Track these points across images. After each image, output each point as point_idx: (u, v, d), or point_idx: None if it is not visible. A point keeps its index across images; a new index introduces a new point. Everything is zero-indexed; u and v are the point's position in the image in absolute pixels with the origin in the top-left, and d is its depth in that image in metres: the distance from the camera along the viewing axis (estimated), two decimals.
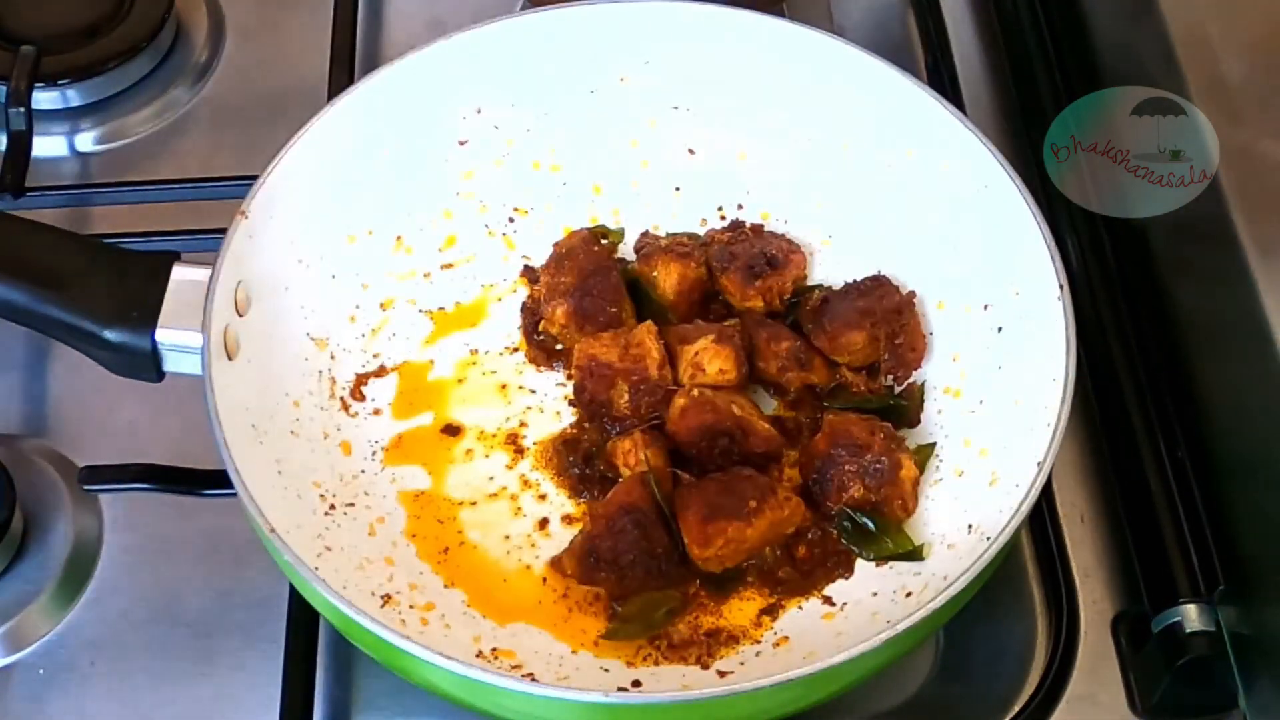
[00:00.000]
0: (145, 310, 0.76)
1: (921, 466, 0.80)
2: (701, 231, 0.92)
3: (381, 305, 0.89)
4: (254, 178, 0.82)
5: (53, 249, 0.78)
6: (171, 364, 0.77)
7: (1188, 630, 0.76)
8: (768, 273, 0.86)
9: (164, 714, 0.80)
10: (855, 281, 0.87)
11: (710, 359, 0.82)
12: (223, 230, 0.80)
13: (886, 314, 0.84)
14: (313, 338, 0.85)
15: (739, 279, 0.87)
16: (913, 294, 0.85)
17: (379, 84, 0.87)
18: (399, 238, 0.90)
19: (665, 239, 0.90)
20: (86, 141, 1.04)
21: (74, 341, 0.77)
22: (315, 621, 0.79)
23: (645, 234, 0.91)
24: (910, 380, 0.85)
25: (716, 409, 0.79)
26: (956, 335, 0.84)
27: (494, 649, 0.75)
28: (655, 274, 0.87)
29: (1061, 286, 0.77)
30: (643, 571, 0.76)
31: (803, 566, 0.78)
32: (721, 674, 0.74)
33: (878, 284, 0.85)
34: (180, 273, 0.77)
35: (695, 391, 0.80)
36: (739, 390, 0.83)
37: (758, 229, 0.91)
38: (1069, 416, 0.72)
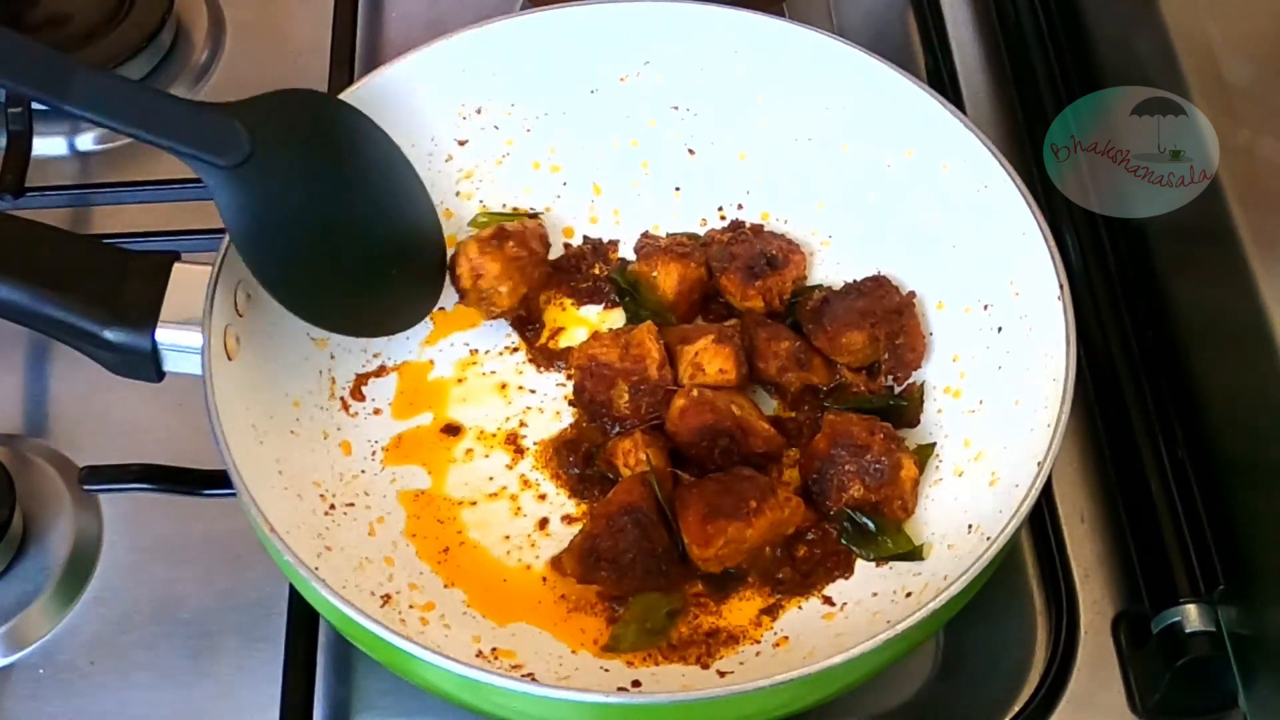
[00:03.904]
0: (145, 310, 0.76)
1: (921, 466, 0.80)
2: (701, 231, 0.92)
3: None
4: None
5: (53, 249, 0.78)
6: (171, 364, 0.77)
7: (1188, 630, 0.76)
8: (768, 273, 0.86)
9: (164, 714, 0.80)
10: (855, 281, 0.87)
11: (710, 359, 0.82)
12: (223, 230, 0.80)
13: (886, 314, 0.84)
14: (313, 338, 0.85)
15: (739, 279, 0.87)
16: (913, 294, 0.85)
17: (379, 84, 0.87)
18: None
19: (665, 239, 0.91)
20: (86, 141, 1.04)
21: (74, 341, 0.77)
22: (315, 621, 0.79)
23: (645, 234, 0.91)
24: (910, 380, 0.85)
25: (716, 409, 0.79)
26: (956, 335, 0.84)
27: (494, 649, 0.75)
28: (655, 274, 0.87)
29: (1061, 286, 0.77)
30: (643, 571, 0.76)
31: (803, 566, 0.78)
32: (721, 674, 0.74)
33: (878, 284, 0.85)
34: (180, 273, 0.77)
35: (695, 391, 0.80)
36: (739, 390, 0.83)
37: (758, 229, 0.91)
38: (1069, 416, 0.72)
